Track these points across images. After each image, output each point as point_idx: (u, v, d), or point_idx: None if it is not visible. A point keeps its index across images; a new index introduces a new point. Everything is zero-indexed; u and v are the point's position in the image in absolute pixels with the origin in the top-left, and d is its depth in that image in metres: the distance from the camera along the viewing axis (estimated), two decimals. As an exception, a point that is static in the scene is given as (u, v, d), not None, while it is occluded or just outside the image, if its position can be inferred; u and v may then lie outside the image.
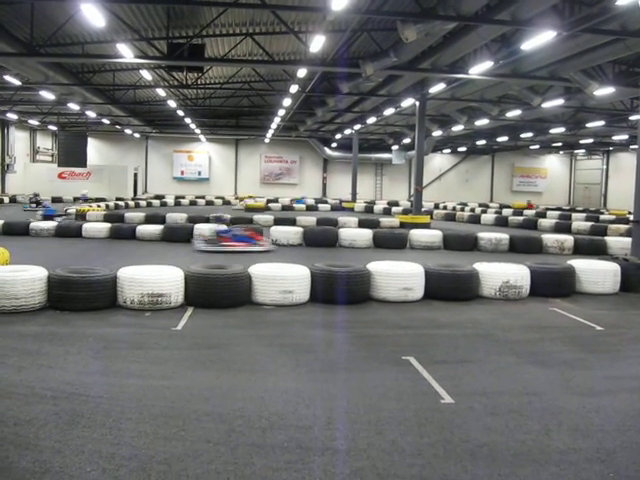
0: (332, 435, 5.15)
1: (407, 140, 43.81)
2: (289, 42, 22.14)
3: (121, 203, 37.51)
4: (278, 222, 25.13)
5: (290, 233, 19.98)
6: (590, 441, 5.18)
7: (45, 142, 49.83)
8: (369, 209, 40.53)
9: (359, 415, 5.57)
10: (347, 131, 43.08)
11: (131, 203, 39.12)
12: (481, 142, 45.33)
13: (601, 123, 32.25)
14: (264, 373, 6.71)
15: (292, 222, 24.91)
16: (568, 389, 6.52)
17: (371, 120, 35.79)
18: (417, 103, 27.55)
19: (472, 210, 40.24)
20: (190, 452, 4.72)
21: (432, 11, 14.87)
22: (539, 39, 15.14)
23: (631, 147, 43.29)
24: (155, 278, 9.63)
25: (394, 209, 39.11)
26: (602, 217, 34.83)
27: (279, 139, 49.99)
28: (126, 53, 18.44)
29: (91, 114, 35.36)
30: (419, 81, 25.23)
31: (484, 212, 37.60)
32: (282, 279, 10.26)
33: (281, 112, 33.52)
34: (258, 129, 44.95)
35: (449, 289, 11.12)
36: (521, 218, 32.04)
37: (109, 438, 4.90)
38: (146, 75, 25.17)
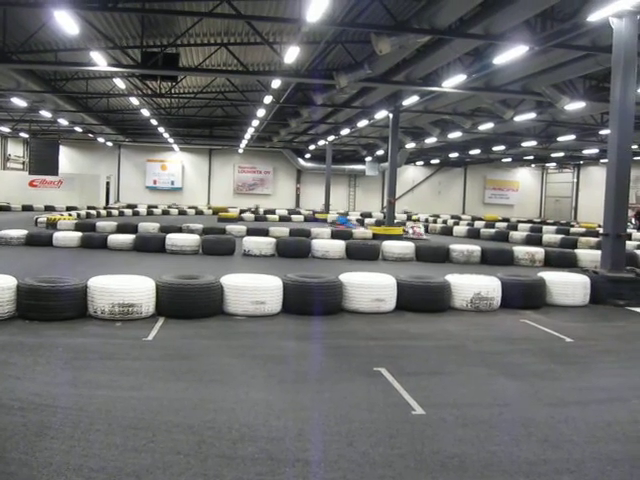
0: (303, 447, 5.12)
1: (380, 152, 44.03)
2: (264, 53, 22.18)
3: (93, 212, 37.18)
4: (251, 232, 25.09)
5: (263, 244, 19.93)
6: (559, 452, 5.22)
7: (16, 150, 49.32)
8: (342, 220, 40.60)
9: (330, 426, 5.56)
10: (321, 142, 43.19)
11: (103, 212, 38.78)
12: (454, 155, 45.70)
13: (572, 137, 32.69)
14: (235, 384, 6.67)
15: (265, 233, 24.86)
16: (538, 400, 6.56)
17: (345, 132, 35.96)
18: (391, 115, 27.75)
19: (444, 222, 40.47)
20: (160, 464, 4.67)
21: (406, 24, 15.01)
22: (511, 53, 15.34)
23: (601, 161, 43.94)
24: (126, 288, 9.54)
25: (367, 220, 39.22)
26: (572, 230, 35.21)
27: (253, 149, 49.99)
28: (100, 61, 18.35)
29: (63, 122, 35.11)
30: (393, 93, 25.42)
31: (456, 224, 37.83)
32: (254, 290, 10.21)
33: (255, 122, 33.56)
34: (232, 139, 44.91)
35: (421, 300, 11.15)
36: (493, 230, 32.31)
37: (77, 450, 4.83)
38: (120, 83, 25.05)
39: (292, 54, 16.91)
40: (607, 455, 5.19)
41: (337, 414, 5.86)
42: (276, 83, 22.14)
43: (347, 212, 47.31)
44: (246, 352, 8.03)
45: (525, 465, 4.94)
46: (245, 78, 26.70)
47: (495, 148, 40.67)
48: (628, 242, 18.73)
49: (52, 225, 25.83)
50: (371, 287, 10.89)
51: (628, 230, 21.16)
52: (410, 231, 27.03)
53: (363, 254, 19.75)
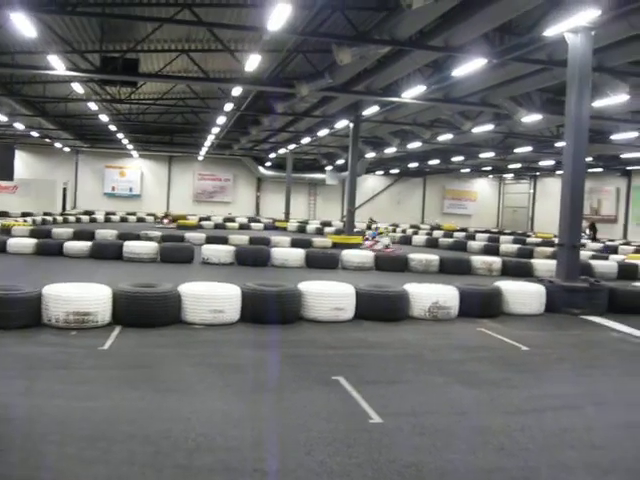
0: (261, 456, 5.09)
1: (341, 161, 44.18)
2: (225, 60, 22.12)
3: (49, 218, 36.59)
4: (210, 240, 24.93)
5: (222, 252, 19.81)
6: (515, 460, 5.27)
7: (-30, 154, 48.36)
8: (302, 229, 40.63)
9: (288, 436, 5.53)
10: (281, 150, 43.19)
11: (59, 218, 38.20)
12: (413, 165, 46.06)
13: (529, 149, 33.22)
14: (192, 393, 6.61)
15: (224, 241, 24.72)
16: (494, 408, 6.62)
17: (305, 140, 36.02)
18: (351, 125, 27.90)
19: (404, 231, 40.74)
20: (115, 475, 4.60)
21: (367, 35, 15.13)
22: (470, 66, 15.56)
23: (557, 172, 44.68)
24: (81, 296, 9.39)
25: (327, 229, 39.28)
26: (529, 240, 35.72)
27: (213, 157, 49.75)
28: (57, 65, 18.10)
29: (19, 126, 34.50)
30: (353, 103, 25.56)
31: (415, 233, 38.10)
32: (212, 298, 10.14)
33: (215, 130, 33.43)
34: (192, 146, 44.65)
35: (380, 309, 11.18)
36: (451, 240, 32.61)
37: (30, 462, 4.73)
38: (78, 88, 24.73)
39: (253, 62, 16.91)
40: (562, 462, 5.26)
41: (295, 423, 5.85)
42: (237, 91, 22.09)
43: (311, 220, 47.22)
44: (204, 361, 7.96)
45: (482, 473, 4.99)
46: (206, 85, 26.59)
47: (454, 159, 41.12)
48: (582, 252, 19.06)
49: (6, 231, 25.34)
50: (330, 296, 10.89)
51: (582, 240, 21.49)
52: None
53: (322, 263, 19.75)
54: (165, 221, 38.66)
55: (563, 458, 5.36)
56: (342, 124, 28.32)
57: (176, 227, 35.96)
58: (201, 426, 5.62)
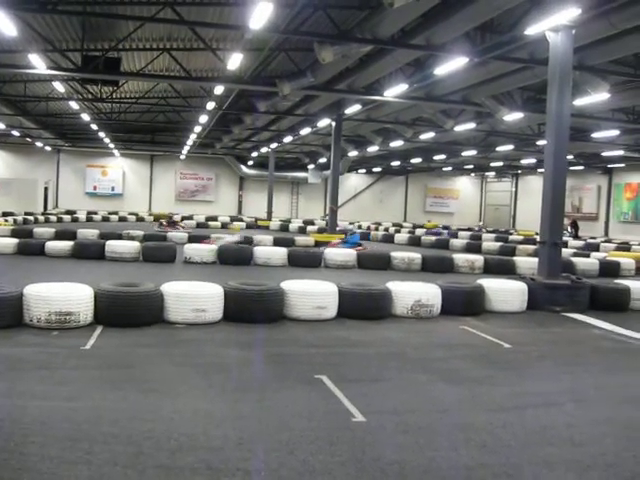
0: (243, 456, 5.08)
1: (323, 159, 44.22)
2: (207, 59, 22.06)
3: (30, 218, 36.28)
4: (192, 239, 24.86)
5: (204, 251, 19.76)
6: (497, 456, 5.30)
7: (-50, 153, 47.95)
8: (284, 227, 40.59)
9: (271, 435, 5.53)
10: (264, 149, 43.15)
11: (41, 218, 37.90)
12: (396, 163, 46.16)
13: (510, 147, 33.41)
14: (175, 393, 6.59)
15: (207, 239, 24.64)
16: (476, 406, 6.66)
17: (288, 139, 36.03)
18: (333, 123, 27.91)
19: (386, 229, 40.82)
20: (97, 476, 4.57)
21: (349, 34, 15.15)
22: (452, 65, 15.62)
23: (538, 170, 44.94)
24: (63, 296, 9.34)
25: (309, 228, 39.27)
26: (511, 238, 35.90)
27: (195, 156, 49.64)
28: (38, 64, 17.97)
29: (0, 125, 34.22)
30: (335, 102, 25.57)
31: (398, 232, 38.17)
32: (195, 297, 10.12)
33: (197, 129, 33.34)
34: (174, 145, 44.50)
35: (362, 308, 11.20)
36: (433, 238, 32.70)
37: (12, 463, 4.69)
38: (59, 87, 24.57)
39: (235, 61, 16.87)
40: (543, 459, 5.30)
41: (278, 422, 5.84)
42: (219, 89, 22.05)
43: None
44: (186, 361, 7.94)
45: (464, 470, 5.01)
46: (188, 84, 26.49)
47: (436, 157, 41.24)
48: (564, 250, 19.22)
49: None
50: (313, 295, 10.90)
51: (564, 238, 21.66)
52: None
53: (305, 261, 19.74)
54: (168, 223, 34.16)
55: (544, 454, 5.40)
56: (324, 123, 28.34)
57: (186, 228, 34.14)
58: (184, 426, 5.61)
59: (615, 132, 26.56)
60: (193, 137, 37.32)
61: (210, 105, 25.27)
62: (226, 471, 4.77)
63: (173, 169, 51.97)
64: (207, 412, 6.03)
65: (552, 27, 12.91)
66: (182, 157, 49.81)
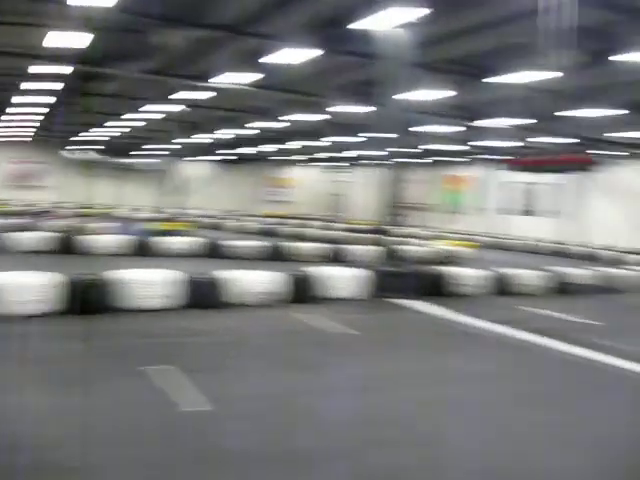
0: (67, 453, 4.92)
1: (160, 145, 43.18)
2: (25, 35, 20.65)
3: None
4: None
5: (33, 239, 18.79)
6: (328, 438, 5.53)
7: None
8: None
9: (98, 429, 5.40)
10: (91, 134, 41.35)
11: None
12: (238, 151, 45.87)
13: (346, 138, 34.11)
14: None
15: (34, 228, 23.22)
16: (310, 391, 6.84)
17: (118, 124, 34.83)
18: (170, 109, 27.32)
19: (224, 219, 40.48)
20: None
21: (184, 18, 14.87)
22: (290, 55, 15.72)
23: (376, 162, 46.10)
24: None
25: (144, 215, 38.11)
26: (347, 226, 36.71)
27: (22, 140, 46.83)
28: None
29: None
30: (169, 87, 24.99)
31: (240, 221, 37.87)
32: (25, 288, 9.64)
33: (12, 110, 31.23)
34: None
35: (203, 296, 11.13)
36: (274, 226, 32.90)
37: None
38: None
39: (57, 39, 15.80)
40: (379, 440, 5.57)
41: (106, 416, 5.72)
42: (36, 69, 20.74)
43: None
44: (10, 355, 7.50)
45: (302, 452, 5.18)
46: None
47: (275, 146, 41.40)
48: (399, 238, 19.99)
49: None
50: (153, 284, 10.68)
51: (397, 227, 22.55)
52: None
53: (146, 250, 19.22)
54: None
55: (365, 435, 5.67)
56: (158, 108, 27.64)
57: None
58: (5, 425, 5.33)
59: (446, 128, 27.72)
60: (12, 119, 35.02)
61: (26, 85, 23.70)
62: (47, 470, 4.61)
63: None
64: (30, 408, 5.77)
65: (391, 23, 13.28)
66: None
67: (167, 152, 38.67)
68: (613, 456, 5.54)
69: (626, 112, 19.98)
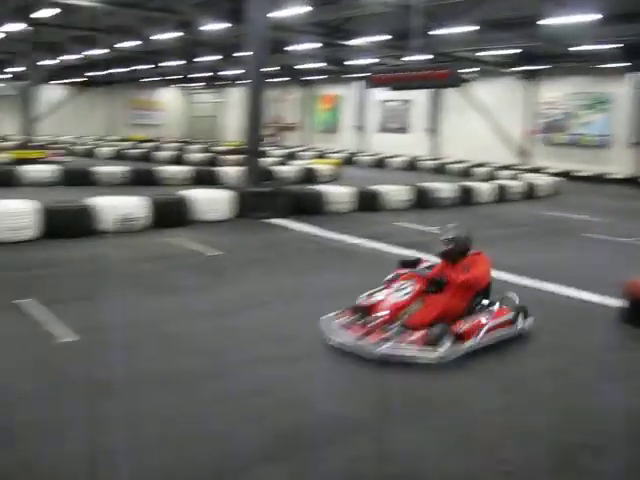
0: None
1: (16, 69, 40.60)
2: None
3: None
4: None
5: None
6: (209, 360, 5.52)
7: None
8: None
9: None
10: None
11: None
12: (98, 74, 43.89)
13: (214, 57, 33.28)
14: None
15: None
16: (187, 314, 6.79)
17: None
18: (26, 28, 25.61)
19: (89, 144, 38.86)
20: None
21: None
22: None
23: (242, 82, 45.45)
24: None
25: (3, 144, 36.03)
26: (217, 148, 36.18)
27: None
28: None
29: None
30: (26, 4, 23.39)
31: (97, 146, 36.29)
32: None
33: None
34: None
35: (66, 225, 10.69)
36: (140, 151, 31.97)
37: None
38: None
39: None
40: (253, 357, 5.59)
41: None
42: None
43: None
44: None
45: (177, 375, 5.14)
46: None
47: (139, 67, 39.94)
48: (268, 159, 19.91)
49: None
50: (8, 215, 10.12)
51: (267, 147, 22.50)
52: None
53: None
54: None
55: (255, 353, 5.72)
56: (13, 27, 25.85)
57: None
58: None
59: (313, 45, 27.54)
60: None
61: None
62: None
63: None
64: None
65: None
66: None
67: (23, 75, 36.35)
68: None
69: (477, 28, 20.65)
